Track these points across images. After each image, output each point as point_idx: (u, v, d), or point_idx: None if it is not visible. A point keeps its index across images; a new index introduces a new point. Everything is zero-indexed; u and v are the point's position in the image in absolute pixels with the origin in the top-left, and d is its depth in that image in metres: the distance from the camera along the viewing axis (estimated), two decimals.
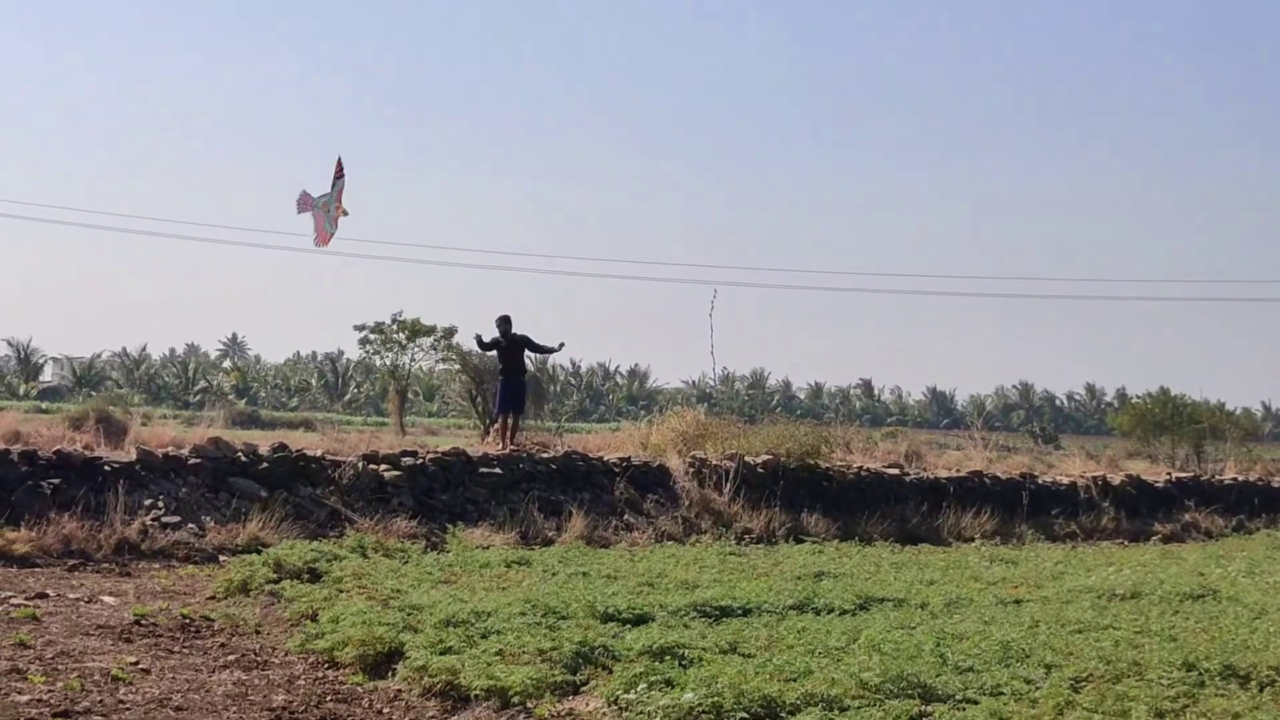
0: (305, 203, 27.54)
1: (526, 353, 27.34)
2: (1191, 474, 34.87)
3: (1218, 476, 34.69)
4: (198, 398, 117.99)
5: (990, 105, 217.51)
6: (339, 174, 27.64)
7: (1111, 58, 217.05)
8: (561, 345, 27.38)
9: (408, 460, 23.08)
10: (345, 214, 27.44)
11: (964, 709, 9.49)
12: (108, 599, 15.35)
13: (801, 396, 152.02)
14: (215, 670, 11.73)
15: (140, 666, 11.59)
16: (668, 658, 10.89)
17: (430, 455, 23.61)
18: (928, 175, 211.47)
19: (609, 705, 9.91)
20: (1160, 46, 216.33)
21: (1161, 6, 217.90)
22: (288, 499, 21.07)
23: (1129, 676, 10.44)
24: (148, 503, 20.10)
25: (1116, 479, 31.17)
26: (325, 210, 27.28)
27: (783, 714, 9.38)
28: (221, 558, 18.84)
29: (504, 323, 26.46)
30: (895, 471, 28.47)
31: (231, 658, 12.27)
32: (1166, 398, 56.11)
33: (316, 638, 12.62)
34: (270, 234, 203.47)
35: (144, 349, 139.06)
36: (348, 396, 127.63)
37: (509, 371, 26.63)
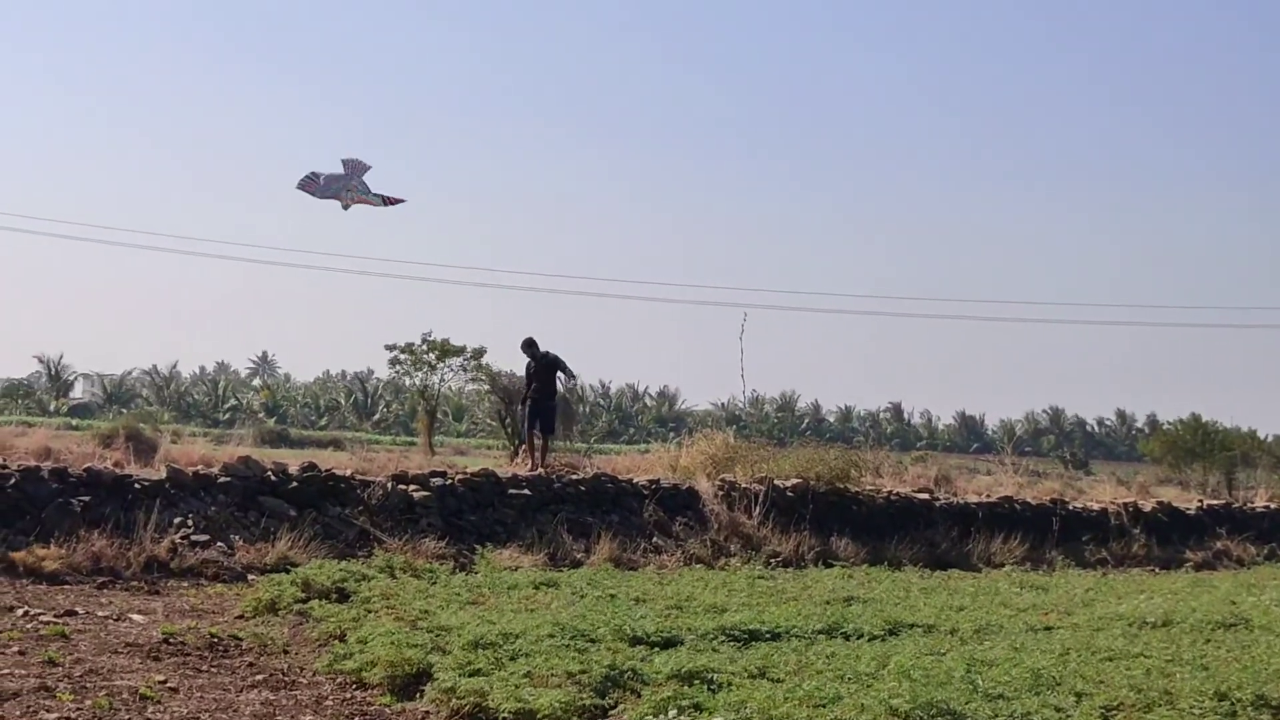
0: (357, 169, 27.88)
1: (558, 374, 27.33)
2: (1223, 501, 34.67)
3: (1250, 504, 34.47)
4: (227, 416, 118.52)
5: (1008, 126, 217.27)
6: (388, 201, 28.02)
7: (1139, 71, 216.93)
8: (574, 378, 27.56)
9: (437, 481, 23.08)
10: (343, 205, 27.78)
11: None
12: (136, 617, 15.37)
13: (831, 419, 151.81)
14: (243, 690, 11.72)
15: (168, 685, 11.59)
16: (696, 682, 10.87)
17: (459, 476, 23.60)
18: (957, 199, 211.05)
19: None
20: (1209, 68, 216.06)
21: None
22: (317, 518, 21.09)
23: (1160, 706, 10.38)
24: (177, 521, 20.11)
25: (1148, 506, 30.99)
26: (346, 186, 27.57)
27: None
28: (250, 577, 18.86)
29: (530, 346, 26.52)
30: (925, 496, 28.37)
31: (259, 677, 12.26)
32: (1198, 424, 55.91)
33: (345, 658, 12.61)
34: (302, 253, 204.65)
35: (174, 366, 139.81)
36: (377, 416, 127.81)
37: (540, 393, 26.61)
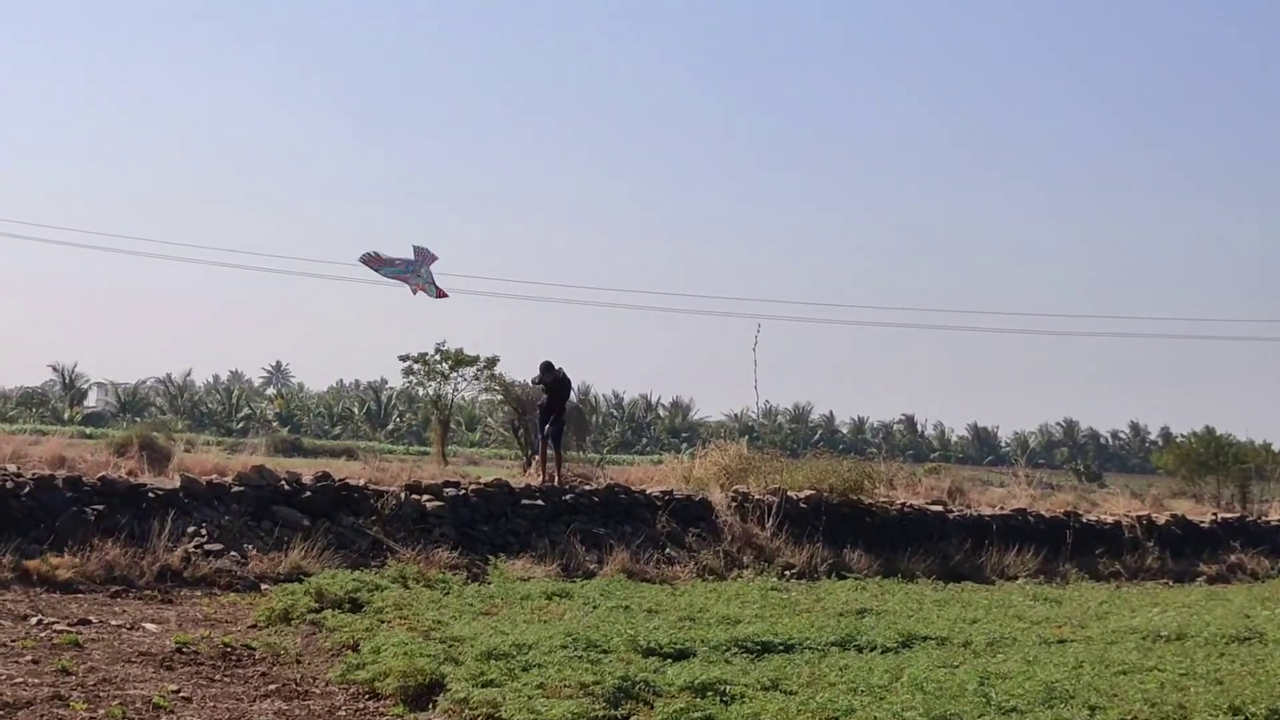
0: (427, 258, 28.61)
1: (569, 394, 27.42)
2: (1237, 515, 34.61)
3: (1264, 517, 34.40)
4: (241, 425, 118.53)
5: (1026, 139, 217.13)
6: (440, 294, 28.79)
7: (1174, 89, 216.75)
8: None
9: (450, 491, 23.08)
10: (412, 290, 28.63)
11: None
12: (150, 626, 15.39)
13: (844, 431, 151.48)
14: (256, 699, 11.73)
15: (181, 695, 11.60)
16: (709, 694, 10.87)
17: (472, 486, 23.61)
18: (972, 211, 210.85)
19: None
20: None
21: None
22: (330, 528, 21.10)
23: (1174, 719, 10.36)
24: (190, 530, 20.15)
25: (1161, 519, 30.94)
26: (416, 273, 28.28)
27: None
28: (263, 586, 18.87)
29: (548, 369, 26.57)
30: (938, 508, 28.34)
31: (272, 687, 12.27)
32: (1212, 437, 55.77)
33: (358, 668, 12.60)
34: (315, 263, 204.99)
35: (188, 375, 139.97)
36: (390, 426, 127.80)
37: (552, 407, 26.60)
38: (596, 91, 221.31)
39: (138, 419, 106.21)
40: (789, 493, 26.00)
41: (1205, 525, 31.39)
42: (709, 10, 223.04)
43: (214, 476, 22.34)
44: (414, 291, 29.43)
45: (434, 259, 29.37)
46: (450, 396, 58.39)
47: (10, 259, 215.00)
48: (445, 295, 30.02)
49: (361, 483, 22.93)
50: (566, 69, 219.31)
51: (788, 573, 23.03)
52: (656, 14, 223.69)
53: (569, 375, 26.90)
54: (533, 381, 28.42)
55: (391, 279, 29.44)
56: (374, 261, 29.19)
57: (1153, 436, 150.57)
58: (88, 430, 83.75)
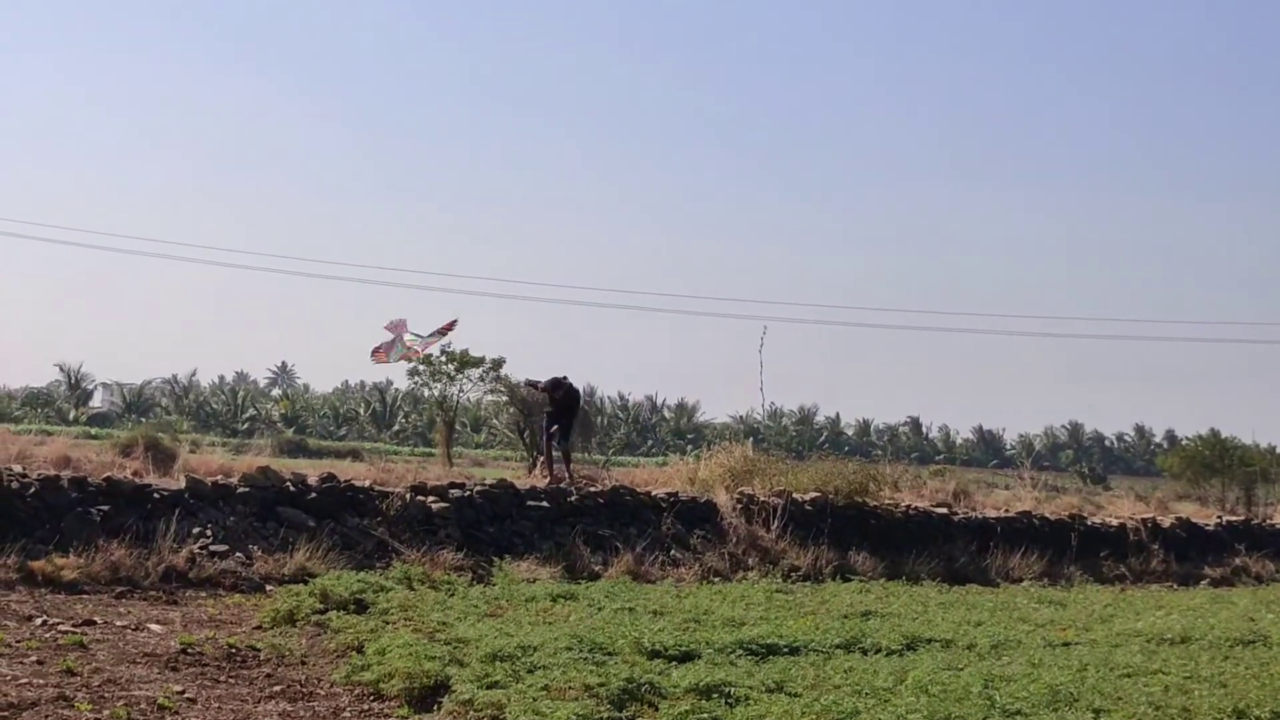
0: (399, 327, 28.62)
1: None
2: (1242, 518, 34.56)
3: (1269, 520, 34.37)
4: (246, 425, 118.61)
5: (1029, 140, 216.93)
6: (445, 331, 28.75)
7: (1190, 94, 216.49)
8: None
9: (455, 492, 23.07)
10: (412, 360, 28.62)
11: None
12: (155, 627, 15.39)
13: (849, 433, 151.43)
14: (261, 701, 11.74)
15: (186, 696, 11.61)
16: (714, 696, 10.87)
17: (478, 487, 23.56)
18: (978, 214, 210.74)
19: None
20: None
21: None
22: (335, 529, 21.09)
23: None
24: (196, 531, 20.14)
25: (1166, 521, 30.89)
26: (402, 343, 28.29)
27: None
28: (268, 587, 18.86)
29: (556, 385, 26.58)
30: (943, 511, 28.29)
31: (277, 688, 12.28)
32: (1216, 440, 55.72)
33: (362, 669, 12.61)
34: (320, 264, 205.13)
35: (193, 376, 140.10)
36: (395, 427, 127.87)
37: (560, 414, 26.59)
38: (603, 93, 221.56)
39: (143, 419, 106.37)
40: (794, 495, 25.97)
41: (1210, 528, 31.36)
42: (713, 11, 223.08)
43: (219, 477, 22.31)
44: (413, 360, 29.60)
45: (403, 321, 29.44)
46: (455, 398, 58.35)
47: (17, 259, 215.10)
48: (451, 325, 29.91)
49: (367, 484, 22.91)
50: (573, 70, 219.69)
51: (793, 575, 22.98)
52: (661, 15, 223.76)
53: (577, 387, 26.99)
54: (525, 382, 28.35)
55: (398, 360, 29.63)
56: (380, 356, 29.36)
57: (1158, 439, 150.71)
58: (93, 431, 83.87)
